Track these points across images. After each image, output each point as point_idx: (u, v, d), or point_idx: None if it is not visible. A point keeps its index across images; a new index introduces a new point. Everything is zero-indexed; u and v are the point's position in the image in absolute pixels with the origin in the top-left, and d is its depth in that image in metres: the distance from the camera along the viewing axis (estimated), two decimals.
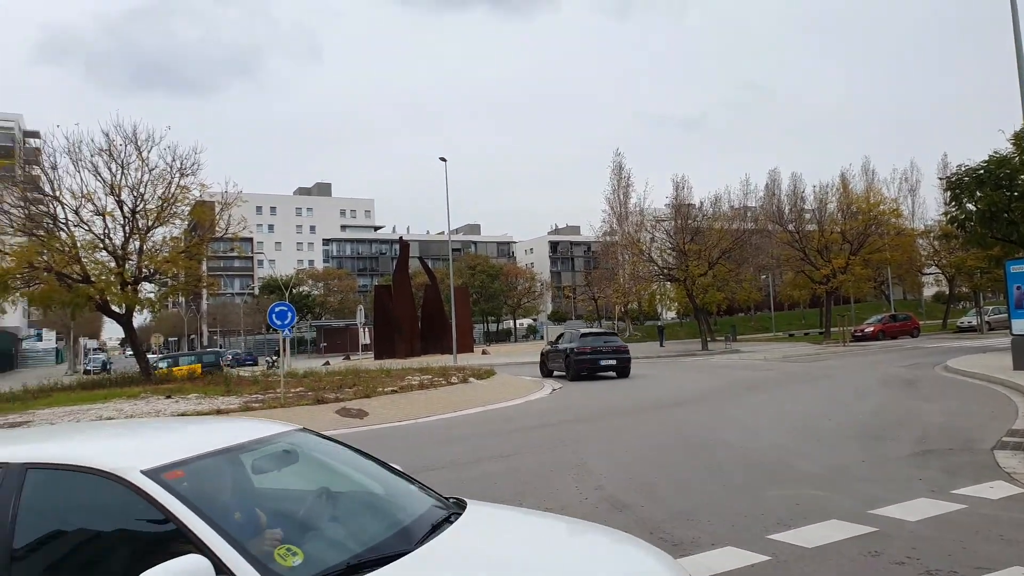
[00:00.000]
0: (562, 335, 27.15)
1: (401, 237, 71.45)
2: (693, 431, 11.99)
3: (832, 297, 46.77)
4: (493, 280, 77.02)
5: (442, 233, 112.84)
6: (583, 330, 29.41)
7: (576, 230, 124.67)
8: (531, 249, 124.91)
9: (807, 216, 49.58)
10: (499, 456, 10.35)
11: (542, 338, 59.86)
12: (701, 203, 50.25)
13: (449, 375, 21.11)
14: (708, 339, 43.42)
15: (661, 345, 47.00)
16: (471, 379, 20.61)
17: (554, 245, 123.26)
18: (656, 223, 48.12)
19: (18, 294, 24.45)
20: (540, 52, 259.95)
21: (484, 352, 49.11)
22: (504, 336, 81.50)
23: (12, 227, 23.86)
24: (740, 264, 48.68)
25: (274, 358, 33.65)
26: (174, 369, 33.19)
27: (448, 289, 45.62)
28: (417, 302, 51.70)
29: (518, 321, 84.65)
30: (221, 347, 76.23)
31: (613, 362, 23.71)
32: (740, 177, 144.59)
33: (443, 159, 38.92)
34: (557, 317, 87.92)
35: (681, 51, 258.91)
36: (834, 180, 53.70)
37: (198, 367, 33.54)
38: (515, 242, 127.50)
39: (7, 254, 23.58)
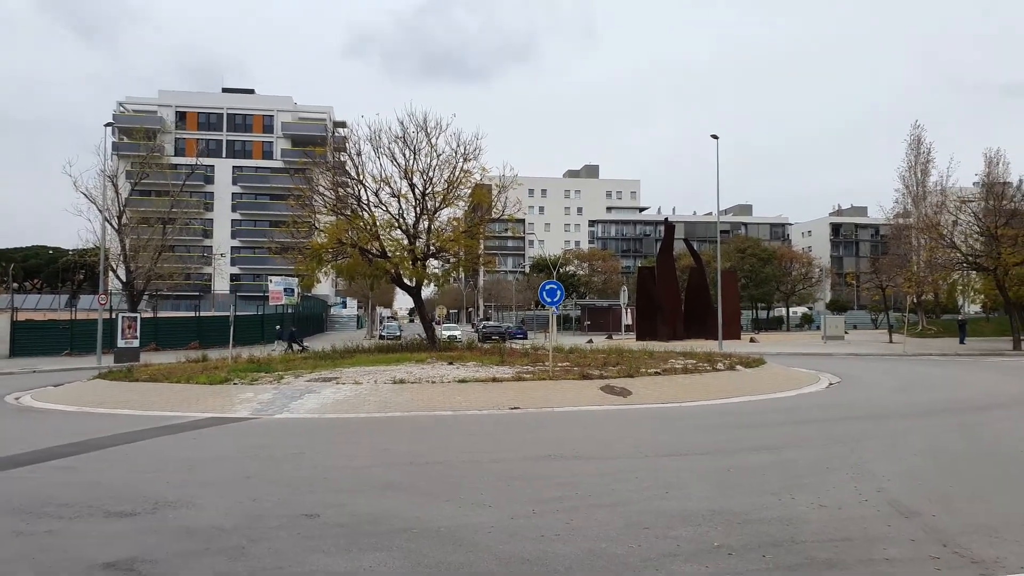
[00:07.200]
0: None
1: (667, 218, 70.45)
2: (997, 439, 10.49)
3: None
4: (765, 264, 72.99)
5: (710, 214, 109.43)
6: None
7: (863, 211, 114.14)
8: (809, 232, 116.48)
9: None
10: (768, 447, 9.89)
11: (818, 328, 55.76)
12: (1021, 181, 43.39)
13: (715, 361, 20.52)
14: (1022, 337, 37.41)
15: (961, 342, 41.46)
16: (738, 366, 19.87)
17: (836, 228, 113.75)
18: (961, 204, 42.32)
19: (329, 266, 28.12)
20: (818, 10, 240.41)
21: (752, 340, 46.97)
22: (775, 324, 76.86)
23: (325, 207, 27.57)
24: None
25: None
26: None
27: (715, 272, 44.31)
28: (681, 285, 50.85)
29: (791, 309, 79.38)
30: (487, 320, 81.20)
31: None
32: None
33: (715, 136, 37.67)
34: (837, 306, 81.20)
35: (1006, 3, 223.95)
36: None
37: None
38: (791, 224, 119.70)
39: (322, 231, 27.40)
